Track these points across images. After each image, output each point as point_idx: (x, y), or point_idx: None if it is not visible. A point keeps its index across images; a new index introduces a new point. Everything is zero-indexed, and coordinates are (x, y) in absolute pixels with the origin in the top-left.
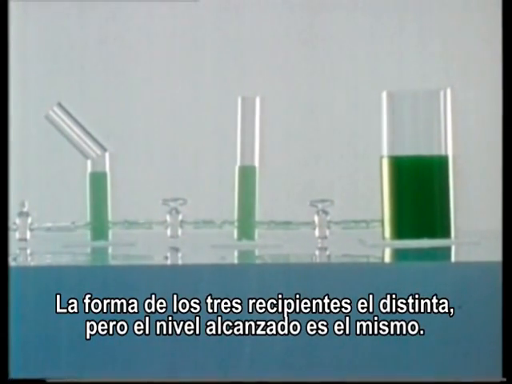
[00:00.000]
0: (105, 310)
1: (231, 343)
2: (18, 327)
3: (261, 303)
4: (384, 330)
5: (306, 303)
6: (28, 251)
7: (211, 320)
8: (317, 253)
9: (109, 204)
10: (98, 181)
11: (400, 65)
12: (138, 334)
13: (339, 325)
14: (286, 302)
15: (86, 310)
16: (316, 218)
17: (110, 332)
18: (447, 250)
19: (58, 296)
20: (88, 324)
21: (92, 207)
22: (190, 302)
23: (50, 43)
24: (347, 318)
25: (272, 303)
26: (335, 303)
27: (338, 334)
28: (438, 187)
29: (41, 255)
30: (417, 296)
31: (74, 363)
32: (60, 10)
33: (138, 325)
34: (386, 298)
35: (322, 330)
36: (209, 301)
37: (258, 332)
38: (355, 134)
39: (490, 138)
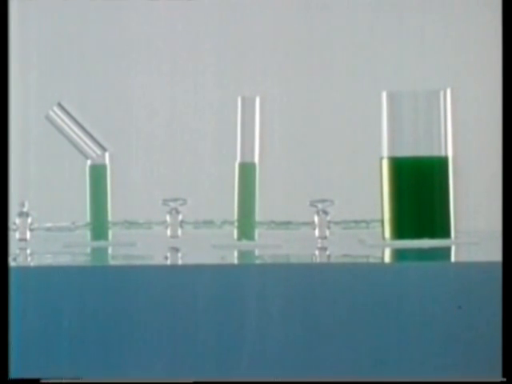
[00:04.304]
0: (105, 310)
1: (231, 343)
2: (18, 327)
3: (261, 303)
4: (384, 330)
5: (306, 303)
6: (28, 251)
7: (211, 320)
8: (317, 253)
9: (109, 198)
10: (97, 174)
11: (400, 65)
12: (138, 335)
13: (339, 325)
14: (286, 302)
15: (86, 310)
16: (316, 218)
17: (110, 332)
18: (447, 250)
19: (58, 296)
20: (88, 324)
21: (92, 202)
22: (189, 302)
23: (50, 43)
24: (347, 318)
25: (272, 303)
26: (335, 303)
27: (337, 334)
28: (438, 188)
29: (41, 255)
30: (417, 296)
31: (74, 363)
32: (60, 9)
33: (138, 325)
34: (385, 298)
35: (322, 330)
36: (209, 301)
37: (258, 332)
38: (355, 134)
39: (489, 138)
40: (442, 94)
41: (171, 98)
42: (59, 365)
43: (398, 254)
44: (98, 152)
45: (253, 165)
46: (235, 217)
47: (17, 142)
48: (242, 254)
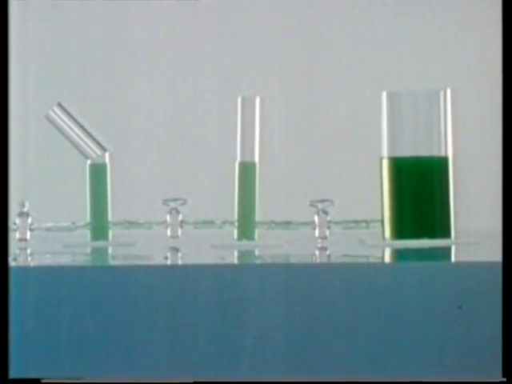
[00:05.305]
0: (105, 310)
1: (231, 343)
2: (17, 327)
3: (261, 303)
4: (384, 330)
5: (306, 303)
6: (28, 251)
7: (211, 320)
8: (317, 253)
9: (109, 197)
10: (98, 172)
11: (400, 65)
12: (138, 335)
13: (339, 325)
14: (286, 302)
15: (86, 310)
16: (316, 218)
17: (110, 332)
18: (447, 250)
19: (58, 296)
20: (88, 324)
21: (92, 201)
22: (189, 302)
23: (50, 43)
24: (347, 318)
25: (272, 303)
26: (335, 303)
27: (337, 334)
28: (438, 188)
29: (41, 255)
30: (417, 296)
31: (74, 363)
32: (60, 9)
33: (138, 325)
34: (385, 298)
35: (322, 330)
36: (209, 301)
37: (258, 332)
38: (355, 134)
39: (490, 138)
40: (442, 93)
41: (171, 98)
42: (59, 365)
43: (398, 254)
44: (98, 152)
45: (253, 164)
46: (235, 217)
47: (17, 142)
48: (241, 254)
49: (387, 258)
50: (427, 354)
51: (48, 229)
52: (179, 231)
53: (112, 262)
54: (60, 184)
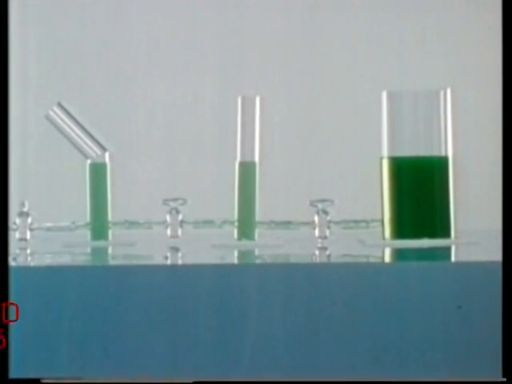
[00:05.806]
0: (105, 310)
1: (231, 343)
2: (18, 327)
3: (261, 303)
4: (384, 330)
5: (306, 303)
6: (28, 251)
7: (211, 320)
8: (317, 253)
9: (109, 197)
10: (98, 172)
11: (400, 65)
12: (138, 334)
13: (339, 325)
14: (286, 301)
15: (86, 310)
16: (316, 218)
17: (110, 332)
18: (447, 250)
19: (58, 296)
20: (88, 324)
21: (92, 201)
22: (189, 302)
23: (50, 43)
24: (347, 318)
25: (272, 303)
26: (335, 303)
27: (337, 334)
28: (438, 188)
29: (41, 255)
30: (417, 296)
31: (74, 363)
32: (60, 10)
33: (138, 325)
34: (385, 298)
35: (322, 330)
36: (209, 301)
37: (258, 332)
38: (355, 134)
39: (489, 138)
40: (442, 93)
41: (171, 98)
42: (59, 365)
43: (398, 254)
44: (98, 152)
45: (253, 163)
46: (235, 217)
47: (17, 141)
48: (241, 254)
49: (387, 258)
50: (427, 353)
51: (48, 229)
52: (179, 231)
53: (112, 262)
54: (60, 184)
